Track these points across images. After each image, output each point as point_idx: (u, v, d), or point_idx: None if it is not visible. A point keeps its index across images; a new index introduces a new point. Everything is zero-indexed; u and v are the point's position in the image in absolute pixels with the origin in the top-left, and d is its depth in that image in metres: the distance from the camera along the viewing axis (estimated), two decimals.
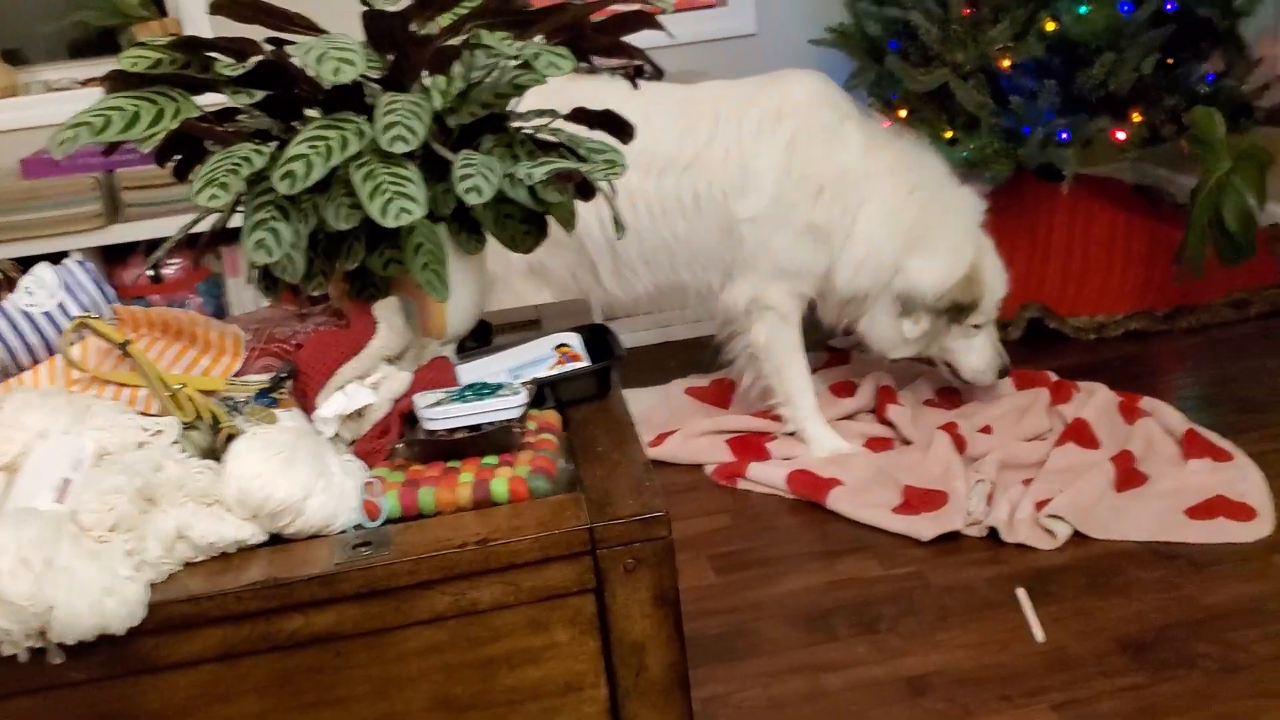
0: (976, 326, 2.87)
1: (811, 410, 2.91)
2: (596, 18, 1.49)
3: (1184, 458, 2.65)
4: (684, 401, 3.22)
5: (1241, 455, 2.62)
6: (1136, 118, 3.35)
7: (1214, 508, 2.44)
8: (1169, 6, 3.30)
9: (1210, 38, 3.43)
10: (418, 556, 1.13)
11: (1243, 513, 2.41)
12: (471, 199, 1.28)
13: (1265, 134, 3.41)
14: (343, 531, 1.19)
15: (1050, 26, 3.26)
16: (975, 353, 2.90)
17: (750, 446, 2.93)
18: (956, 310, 2.81)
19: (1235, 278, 3.41)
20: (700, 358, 3.31)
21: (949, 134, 3.39)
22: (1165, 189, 4.11)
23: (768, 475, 2.77)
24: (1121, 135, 3.34)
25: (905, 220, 2.77)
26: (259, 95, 1.39)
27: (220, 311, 3.49)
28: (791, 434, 2.93)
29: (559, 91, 1.90)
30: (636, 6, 1.45)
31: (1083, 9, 3.22)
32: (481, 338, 1.64)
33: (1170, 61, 3.39)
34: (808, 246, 2.78)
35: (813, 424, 2.90)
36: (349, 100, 1.39)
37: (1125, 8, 3.23)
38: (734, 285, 2.86)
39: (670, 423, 3.07)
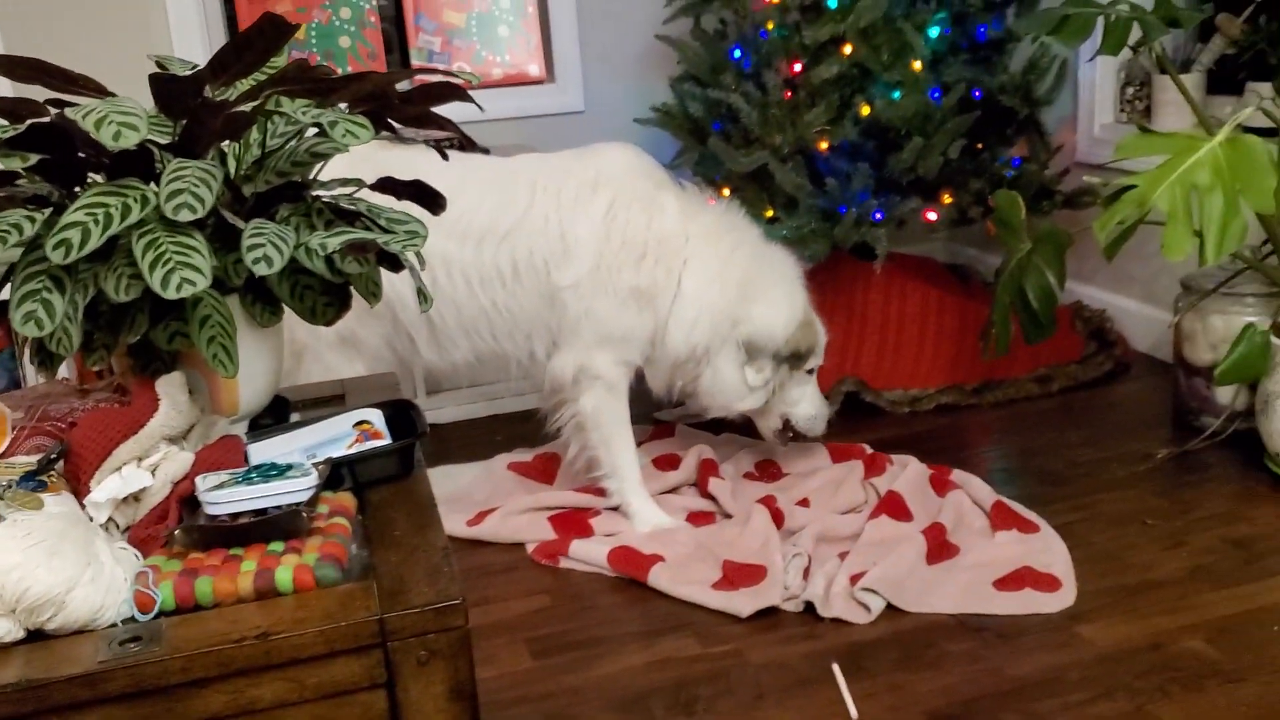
0: (810, 372, 2.95)
1: (636, 484, 2.90)
2: (406, 87, 1.46)
3: (993, 529, 2.72)
4: (506, 477, 3.16)
5: (1046, 527, 2.71)
6: (946, 199, 3.49)
7: (1021, 579, 2.50)
8: (975, 94, 3.47)
9: (1014, 125, 3.62)
10: (191, 652, 1.05)
11: (1048, 583, 2.48)
12: (260, 269, 1.22)
13: (1065, 216, 3.59)
14: (111, 625, 1.10)
15: (865, 111, 3.37)
16: (808, 401, 2.98)
17: (573, 523, 2.88)
18: (795, 357, 2.88)
19: (1040, 354, 3.55)
20: (529, 431, 3.27)
21: (770, 213, 3.45)
22: (975, 268, 4.28)
23: (589, 553, 2.73)
24: (932, 216, 3.47)
25: (735, 275, 2.82)
26: (33, 159, 1.31)
27: (14, 384, 3.29)
28: (615, 508, 2.91)
29: (374, 160, 1.86)
30: (442, 78, 1.42)
31: (895, 94, 3.35)
32: (279, 414, 1.56)
33: (979, 146, 3.55)
34: (632, 311, 2.78)
35: (637, 498, 2.89)
36: (136, 166, 1.32)
37: (934, 94, 3.37)
38: (560, 354, 2.84)
39: (491, 500, 3.01)
